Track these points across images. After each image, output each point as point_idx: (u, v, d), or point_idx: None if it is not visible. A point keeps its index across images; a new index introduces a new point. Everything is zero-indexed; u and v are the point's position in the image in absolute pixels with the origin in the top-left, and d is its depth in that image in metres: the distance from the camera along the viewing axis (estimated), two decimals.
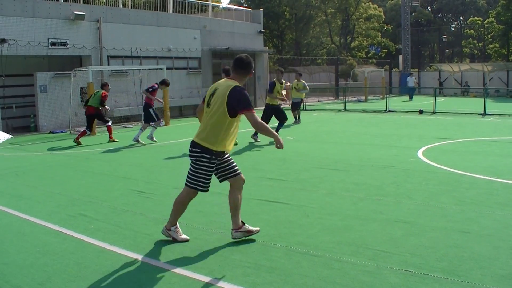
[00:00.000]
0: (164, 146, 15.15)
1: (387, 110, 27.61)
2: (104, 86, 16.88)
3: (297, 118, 22.40)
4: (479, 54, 67.45)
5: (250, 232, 6.19)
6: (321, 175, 10.15)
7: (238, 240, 6.12)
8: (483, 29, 63.07)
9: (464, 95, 48.05)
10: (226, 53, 29.71)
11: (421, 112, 26.06)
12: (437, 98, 28.08)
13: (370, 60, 59.09)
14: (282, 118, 15.80)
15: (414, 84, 41.76)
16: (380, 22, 62.14)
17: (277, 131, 15.27)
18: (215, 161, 5.92)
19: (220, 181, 6.22)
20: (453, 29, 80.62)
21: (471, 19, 69.44)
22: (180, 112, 27.11)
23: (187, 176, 6.00)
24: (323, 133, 17.92)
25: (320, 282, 4.85)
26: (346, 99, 31.93)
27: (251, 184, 9.31)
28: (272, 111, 15.73)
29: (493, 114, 24.94)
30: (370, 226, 6.61)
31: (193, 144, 5.89)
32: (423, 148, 13.34)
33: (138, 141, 15.75)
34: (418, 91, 49.81)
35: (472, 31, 68.47)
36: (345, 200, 8.07)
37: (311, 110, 29.67)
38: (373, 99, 40.50)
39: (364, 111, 28.09)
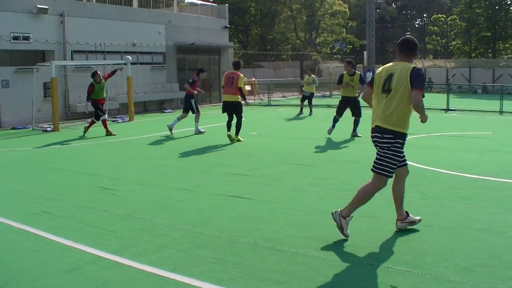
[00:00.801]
0: (128, 142, 15.02)
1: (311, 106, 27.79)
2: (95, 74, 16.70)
3: (310, 110, 23.95)
4: (442, 50, 68.39)
5: (413, 223, 6.27)
6: (286, 170, 10.18)
7: (399, 229, 6.23)
8: (446, 26, 63.97)
9: (427, 91, 48.64)
10: (191, 48, 29.55)
11: None
12: None
13: (335, 56, 59.48)
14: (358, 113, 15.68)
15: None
16: (345, 18, 62.60)
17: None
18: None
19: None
20: (417, 25, 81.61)
21: (434, 16, 70.39)
22: (145, 107, 26.88)
23: (378, 165, 6.01)
24: (289, 128, 17.97)
25: (286, 277, 4.87)
26: None
27: (216, 179, 9.32)
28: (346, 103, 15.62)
29: (455, 110, 25.33)
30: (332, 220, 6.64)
31: (383, 131, 5.90)
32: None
33: (200, 132, 16.51)
34: None
35: (435, 28, 69.39)
36: (311, 195, 8.10)
37: (276, 105, 29.71)
38: (338, 95, 40.64)
39: (329, 106, 28.18)
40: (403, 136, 5.95)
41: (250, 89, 36.93)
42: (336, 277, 4.84)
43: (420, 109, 5.86)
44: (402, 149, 5.99)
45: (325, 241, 5.85)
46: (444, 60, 54.51)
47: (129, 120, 21.81)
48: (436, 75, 51.60)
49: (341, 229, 5.96)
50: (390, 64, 6.15)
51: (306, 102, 23.99)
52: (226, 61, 32.34)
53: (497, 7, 54.23)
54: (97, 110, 16.62)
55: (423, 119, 6.08)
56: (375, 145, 6.13)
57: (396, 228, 6.28)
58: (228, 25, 33.67)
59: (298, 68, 45.85)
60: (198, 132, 16.54)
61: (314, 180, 9.21)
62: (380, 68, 6.13)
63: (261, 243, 5.80)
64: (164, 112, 25.77)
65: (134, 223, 6.69)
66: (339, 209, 6.08)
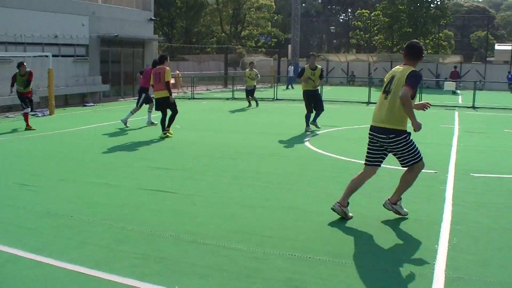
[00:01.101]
0: (49, 136, 14.63)
1: (275, 98, 28.06)
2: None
3: (256, 102, 24.10)
4: (365, 45, 69.71)
5: (346, 216, 6.51)
6: (209, 163, 10.17)
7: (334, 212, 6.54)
8: (369, 21, 65.18)
9: (350, 84, 49.66)
10: (115, 40, 29.01)
11: None
12: (324, 87, 28.81)
13: (260, 49, 59.72)
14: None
15: (293, 73, 42.51)
16: (271, 12, 62.88)
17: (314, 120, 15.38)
18: None
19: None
20: (341, 20, 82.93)
21: (358, 11, 71.62)
22: (66, 101, 26.19)
23: (406, 161, 6.42)
24: (212, 121, 17.95)
25: (209, 269, 4.88)
26: (235, 88, 32.09)
27: (138, 174, 9.23)
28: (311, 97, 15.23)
29: (375, 103, 25.94)
30: (257, 213, 6.71)
31: (387, 131, 6.38)
32: (310, 136, 13.67)
33: (152, 123, 16.40)
34: (326, 80, 50.99)
35: (359, 23, 70.60)
36: (233, 188, 8.14)
37: (199, 98, 29.62)
38: (262, 88, 40.99)
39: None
40: (403, 132, 6.37)
41: (174, 82, 36.65)
42: (258, 269, 4.89)
43: (407, 107, 6.13)
44: (410, 137, 6.44)
45: (247, 233, 5.90)
46: (367, 54, 55.71)
47: (50, 114, 21.22)
48: (359, 69, 52.76)
49: (398, 212, 6.60)
50: (397, 67, 6.57)
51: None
52: (150, 54, 31.93)
53: (418, 4, 55.78)
54: (21, 103, 16.23)
55: (414, 125, 6.35)
56: (373, 143, 6.66)
57: (331, 207, 6.60)
58: (153, 18, 33.26)
59: (223, 62, 45.81)
60: (150, 123, 16.54)
61: (236, 173, 9.25)
62: (390, 72, 6.65)
63: (183, 237, 5.79)
64: (85, 105, 25.22)
65: (54, 220, 6.52)
66: (386, 198, 6.71)
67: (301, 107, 23.49)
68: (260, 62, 45.15)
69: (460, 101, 30.25)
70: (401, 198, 6.61)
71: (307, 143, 12.46)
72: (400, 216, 6.61)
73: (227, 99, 28.99)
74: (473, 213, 6.91)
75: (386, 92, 6.44)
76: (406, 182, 6.57)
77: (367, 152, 6.67)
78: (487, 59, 59.16)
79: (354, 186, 6.61)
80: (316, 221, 6.37)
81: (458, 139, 13.81)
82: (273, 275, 4.75)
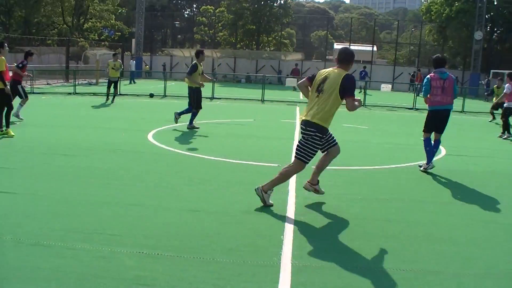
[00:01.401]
0: None
1: (118, 93, 27.46)
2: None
3: (113, 97, 23.53)
4: (210, 41, 70.32)
5: (317, 191, 7.42)
6: (50, 160, 9.66)
7: (304, 189, 7.50)
8: (214, 17, 65.83)
9: None
10: None
11: (152, 96, 26.41)
12: (167, 82, 28.68)
13: (103, 43, 58.22)
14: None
15: (134, 68, 41.94)
16: (115, 5, 61.46)
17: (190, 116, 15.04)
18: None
19: (322, 152, 7.28)
20: (186, 15, 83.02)
21: (203, 7, 72.10)
22: None
23: (298, 151, 6.92)
24: (53, 117, 17.12)
25: (54, 272, 4.62)
26: (77, 82, 31.01)
27: None
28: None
29: (220, 98, 26.29)
30: (101, 211, 6.48)
31: (308, 124, 6.81)
32: (154, 131, 13.52)
33: (18, 116, 15.36)
34: (149, 74, 50.53)
35: (204, 18, 71.05)
36: (75, 186, 7.77)
37: (39, 93, 28.21)
38: (105, 83, 39.92)
39: (95, 94, 27.57)
40: (324, 130, 6.85)
41: (12, 74, 34.68)
42: (105, 268, 4.71)
43: (354, 110, 6.92)
44: (320, 141, 6.91)
45: (92, 232, 5.66)
46: (211, 50, 56.21)
47: None
48: (203, 64, 53.00)
49: (264, 202, 6.90)
50: (330, 68, 6.97)
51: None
52: None
53: (262, 2, 57.30)
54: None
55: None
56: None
57: (303, 187, 7.47)
58: None
59: (64, 54, 44.04)
60: (17, 116, 15.44)
61: (78, 170, 8.82)
62: (322, 71, 7.01)
63: (24, 240, 5.43)
64: None
65: None
66: (260, 185, 6.98)
67: (145, 102, 23.26)
68: (103, 56, 43.95)
69: (301, 97, 31.42)
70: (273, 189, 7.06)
71: (151, 139, 12.30)
72: (246, 210, 6.71)
73: (69, 93, 27.88)
74: (315, 203, 7.19)
75: (319, 91, 6.82)
76: (286, 175, 7.13)
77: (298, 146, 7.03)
78: (327, 57, 62.01)
79: (282, 178, 7.13)
80: (161, 217, 6.29)
81: (300, 134, 14.29)
82: (122, 273, 4.62)
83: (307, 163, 6.93)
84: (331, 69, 6.97)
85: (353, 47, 59.67)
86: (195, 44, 67.96)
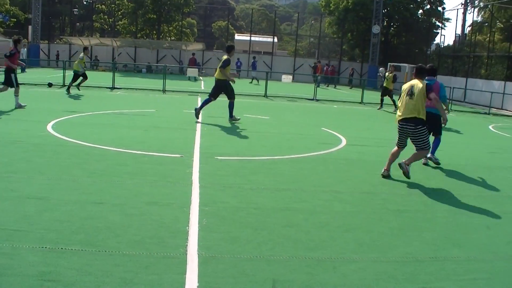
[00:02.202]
0: None
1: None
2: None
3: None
4: (109, 29, 68.72)
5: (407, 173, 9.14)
6: None
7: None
8: (114, 5, 64.34)
9: (93, 69, 48.70)
10: None
11: (50, 85, 25.59)
12: (66, 71, 27.86)
13: None
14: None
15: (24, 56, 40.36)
16: None
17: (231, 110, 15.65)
18: None
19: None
20: (85, 3, 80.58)
21: None
22: None
23: (421, 144, 9.09)
24: None
25: None
26: None
27: None
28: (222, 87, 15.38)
29: (121, 88, 25.85)
30: (1, 205, 6.25)
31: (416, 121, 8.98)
32: (53, 122, 13.11)
33: (21, 106, 15.78)
34: (47, 63, 48.90)
35: (103, 6, 69.26)
36: None
37: None
38: (0, 71, 38.29)
39: None
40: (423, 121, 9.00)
41: None
42: (7, 265, 4.55)
43: (439, 104, 9.69)
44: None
45: None
46: (111, 38, 55.00)
47: None
48: (103, 53, 51.99)
49: (406, 174, 9.04)
50: (413, 80, 9.27)
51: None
52: None
53: None
54: None
55: (444, 118, 10.03)
56: (404, 131, 9.17)
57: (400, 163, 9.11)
58: None
59: None
60: (19, 106, 15.55)
61: None
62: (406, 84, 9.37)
63: None
64: None
65: None
66: (403, 162, 9.05)
67: (43, 92, 22.49)
68: None
69: (202, 87, 31.44)
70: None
71: (50, 130, 11.94)
72: (151, 201, 6.70)
73: None
74: (219, 194, 7.28)
75: (410, 95, 9.00)
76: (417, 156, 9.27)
77: (399, 138, 9.34)
78: None
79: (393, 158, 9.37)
80: (65, 211, 6.15)
81: (202, 124, 14.35)
82: (25, 270, 4.49)
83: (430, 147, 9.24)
84: (413, 81, 9.20)
85: (254, 38, 60.35)
86: (94, 32, 66.24)
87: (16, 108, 15.61)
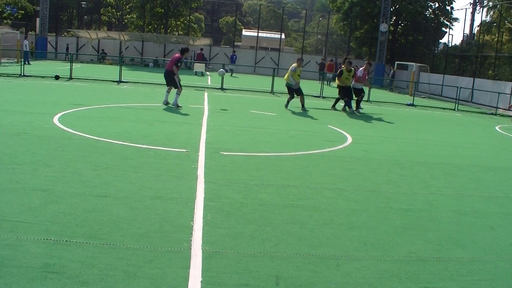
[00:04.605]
0: None
1: (22, 74, 26.45)
2: None
3: None
4: (117, 23, 68.81)
5: None
6: None
7: None
8: None
9: (101, 62, 48.74)
10: None
11: (57, 77, 25.63)
12: (74, 64, 27.91)
13: (5, 21, 55.77)
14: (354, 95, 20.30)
15: (28, 48, 40.35)
16: None
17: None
18: None
19: None
20: None
21: None
22: None
23: None
24: None
25: None
26: None
27: None
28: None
29: (128, 82, 25.88)
30: (6, 197, 6.28)
31: None
32: (59, 114, 13.15)
33: (178, 105, 16.86)
34: (55, 56, 48.91)
35: (111, 0, 69.40)
36: None
37: None
38: (7, 63, 38.41)
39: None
40: None
41: None
42: (12, 256, 4.57)
43: None
44: None
45: None
46: (118, 32, 55.07)
47: None
48: (110, 47, 52.03)
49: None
50: None
51: None
52: None
53: None
54: None
55: None
56: None
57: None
58: None
59: None
60: (176, 105, 16.89)
61: None
62: None
63: None
64: None
65: None
66: None
67: (51, 84, 22.53)
68: (6, 35, 42.11)
69: (209, 82, 31.44)
70: None
71: (56, 122, 11.97)
72: (155, 195, 6.71)
73: None
74: (224, 189, 7.28)
75: None
76: None
77: None
78: (235, 43, 62.15)
79: None
80: (69, 203, 6.17)
81: (208, 119, 14.37)
82: (29, 261, 4.50)
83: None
84: None
85: (261, 34, 60.31)
86: (102, 26, 66.31)
87: (173, 106, 16.75)
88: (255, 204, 6.74)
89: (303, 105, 18.97)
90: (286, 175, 8.50)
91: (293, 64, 19.07)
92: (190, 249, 5.03)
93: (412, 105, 26.96)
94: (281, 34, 59.48)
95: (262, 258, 4.99)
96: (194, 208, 6.32)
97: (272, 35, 67.32)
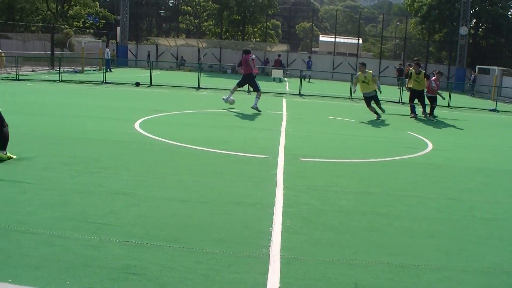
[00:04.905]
0: None
1: (104, 81, 27.30)
2: None
3: None
4: (195, 30, 70.00)
5: None
6: (36, 148, 9.58)
7: None
8: (199, 7, 65.49)
9: (179, 69, 49.67)
10: None
11: (138, 84, 26.28)
12: (153, 71, 28.55)
13: (88, 30, 57.75)
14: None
15: (110, 56, 41.47)
16: None
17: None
18: None
19: None
20: (171, 4, 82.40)
21: None
22: None
23: None
24: (38, 104, 16.97)
25: (43, 260, 4.62)
26: (62, 70, 30.73)
27: None
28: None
29: (206, 88, 26.23)
30: (90, 200, 6.48)
31: None
32: (140, 120, 13.46)
33: (258, 109, 17.45)
34: (135, 63, 50.24)
35: (189, 8, 70.65)
36: (63, 174, 7.76)
37: (25, 80, 27.97)
38: (90, 71, 39.74)
39: (81, 82, 27.40)
40: None
41: None
42: (94, 257, 4.72)
43: None
44: None
45: (81, 221, 5.67)
46: (196, 39, 55.97)
47: None
48: (188, 54, 52.94)
49: None
50: None
51: None
52: None
53: None
54: None
55: None
56: None
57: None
58: None
59: (49, 41, 43.58)
60: (256, 108, 17.67)
61: (65, 158, 8.79)
62: None
63: (14, 227, 5.40)
64: None
65: None
66: None
67: (132, 91, 23.11)
68: (88, 44, 43.65)
69: (287, 88, 31.47)
70: None
71: (138, 128, 12.26)
72: (235, 201, 6.74)
73: (54, 81, 27.64)
74: (303, 195, 7.24)
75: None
76: None
77: None
78: (313, 49, 62.02)
79: None
80: (151, 207, 6.29)
81: (287, 125, 14.37)
82: (111, 262, 4.62)
83: None
84: None
85: (338, 39, 59.83)
86: (180, 33, 67.61)
87: (252, 108, 17.49)
88: (334, 210, 6.66)
89: (377, 114, 18.21)
90: (366, 182, 8.37)
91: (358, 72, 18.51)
92: (269, 255, 5.01)
93: (494, 110, 26.07)
94: (358, 39, 58.94)
95: (341, 265, 4.92)
96: (273, 214, 6.31)
97: (350, 40, 66.71)
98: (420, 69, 19.05)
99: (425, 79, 18.82)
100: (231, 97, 18.17)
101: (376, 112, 17.92)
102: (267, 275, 4.59)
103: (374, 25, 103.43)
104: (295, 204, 6.80)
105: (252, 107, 17.15)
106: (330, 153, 10.68)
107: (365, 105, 18.32)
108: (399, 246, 5.55)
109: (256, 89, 17.63)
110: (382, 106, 18.81)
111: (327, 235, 5.69)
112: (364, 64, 18.29)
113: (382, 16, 71.02)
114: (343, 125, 15.65)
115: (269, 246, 5.23)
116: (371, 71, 18.23)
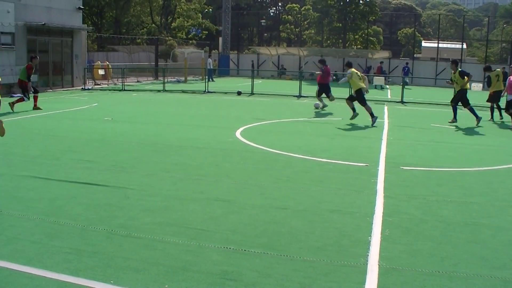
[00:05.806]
0: None
1: (206, 91, 27.92)
2: (32, 59, 18.63)
3: None
4: (296, 39, 70.38)
5: None
6: (140, 156, 10.00)
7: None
8: (300, 15, 65.84)
9: (280, 77, 50.00)
10: (42, 29, 28.07)
11: (239, 93, 26.69)
12: (255, 80, 28.90)
13: (191, 41, 59.33)
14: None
15: (212, 66, 42.22)
16: (202, 4, 62.52)
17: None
18: None
19: None
20: (272, 14, 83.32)
21: (289, 5, 72.12)
22: None
23: None
24: (142, 113, 17.65)
25: (144, 263, 4.81)
26: (166, 80, 31.72)
27: (68, 167, 8.96)
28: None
29: (307, 97, 26.24)
30: (190, 206, 6.67)
31: None
32: (241, 129, 13.68)
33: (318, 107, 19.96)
34: (237, 72, 51.03)
35: (289, 16, 71.16)
36: (165, 181, 8.04)
37: (130, 90, 29.14)
38: (193, 80, 40.78)
39: (184, 92, 28.16)
40: None
41: (104, 73, 35.95)
42: (193, 262, 4.86)
43: None
44: None
45: (181, 226, 5.85)
46: (297, 48, 56.23)
47: None
48: (289, 63, 53.20)
49: None
50: None
51: None
52: (79, 44, 31.17)
53: (348, 0, 56.77)
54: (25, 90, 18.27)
55: None
56: None
57: None
58: (81, 6, 32.39)
59: (153, 53, 45.16)
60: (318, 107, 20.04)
61: (168, 166, 9.13)
62: None
63: (116, 231, 5.68)
64: (13, 96, 24.33)
65: None
66: None
67: (233, 100, 23.53)
68: (191, 54, 44.85)
69: (389, 96, 30.97)
70: None
71: (239, 136, 12.46)
72: (334, 209, 6.71)
73: (158, 91, 28.63)
74: (404, 205, 7.09)
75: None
76: None
77: None
78: (415, 55, 60.74)
79: None
80: (249, 214, 6.38)
81: (388, 133, 14.14)
82: (209, 268, 4.73)
83: None
84: None
85: (441, 44, 58.20)
86: (281, 42, 68.11)
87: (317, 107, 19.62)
88: (435, 220, 6.48)
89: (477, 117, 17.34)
90: (469, 192, 8.08)
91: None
92: (367, 264, 4.95)
93: None
94: (462, 44, 57.14)
95: (440, 277, 4.78)
96: (373, 223, 6.23)
97: (453, 45, 64.72)
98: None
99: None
100: (320, 103, 20.11)
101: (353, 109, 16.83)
102: (364, 284, 4.53)
103: (479, 29, 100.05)
104: (395, 213, 6.67)
105: (315, 106, 19.74)
106: (432, 162, 10.40)
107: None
108: (503, 259, 5.32)
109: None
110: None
111: (427, 246, 5.55)
112: (350, 64, 17.82)
113: (487, 19, 68.49)
114: (447, 133, 15.18)
115: (367, 255, 5.17)
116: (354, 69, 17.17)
